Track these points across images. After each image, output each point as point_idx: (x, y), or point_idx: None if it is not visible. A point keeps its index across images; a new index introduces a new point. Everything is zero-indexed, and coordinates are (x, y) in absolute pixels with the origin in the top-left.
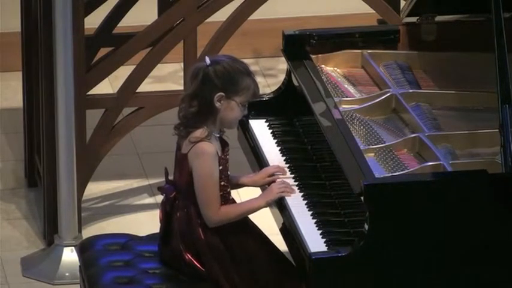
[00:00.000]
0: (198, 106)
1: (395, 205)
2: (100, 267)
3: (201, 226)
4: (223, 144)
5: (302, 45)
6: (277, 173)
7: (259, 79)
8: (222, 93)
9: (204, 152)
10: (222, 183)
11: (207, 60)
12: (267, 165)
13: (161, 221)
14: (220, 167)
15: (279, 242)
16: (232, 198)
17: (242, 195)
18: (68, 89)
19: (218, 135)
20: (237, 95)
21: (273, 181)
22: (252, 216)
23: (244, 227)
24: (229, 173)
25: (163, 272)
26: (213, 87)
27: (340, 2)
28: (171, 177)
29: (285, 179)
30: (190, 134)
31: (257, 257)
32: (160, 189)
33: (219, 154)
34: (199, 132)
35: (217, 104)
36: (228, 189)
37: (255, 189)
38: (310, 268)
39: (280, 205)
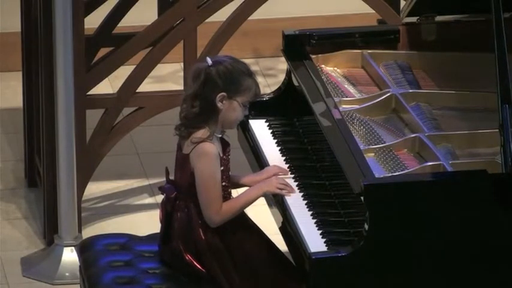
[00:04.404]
0: (200, 106)
1: (395, 205)
2: (100, 267)
3: (202, 226)
4: (225, 145)
5: (302, 45)
6: (279, 174)
7: (259, 79)
8: (224, 94)
9: (206, 153)
10: (224, 183)
11: (209, 60)
12: (267, 165)
13: (161, 221)
14: (222, 168)
15: (279, 242)
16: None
17: (240, 190)
18: (68, 89)
19: (220, 136)
20: (239, 95)
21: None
22: (252, 216)
23: (244, 227)
24: (230, 173)
25: (163, 272)
26: (215, 88)
27: (340, 2)
28: (172, 177)
29: (286, 180)
30: (192, 135)
31: (257, 257)
32: (161, 189)
33: (221, 155)
34: (201, 133)
35: (219, 104)
36: (229, 190)
37: None
38: (310, 268)
39: (280, 205)
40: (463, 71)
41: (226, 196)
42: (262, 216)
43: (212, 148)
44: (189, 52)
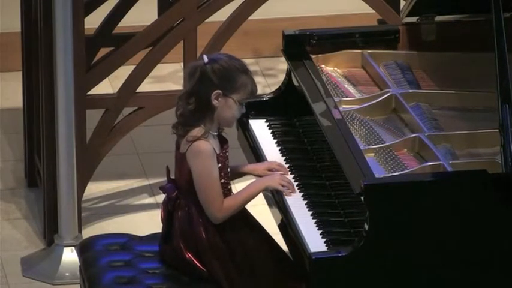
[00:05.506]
0: (195, 104)
1: (395, 205)
2: (100, 267)
3: (203, 225)
4: (222, 142)
5: (302, 45)
6: (280, 172)
7: (259, 79)
8: (219, 91)
9: (201, 151)
10: (222, 180)
11: (205, 58)
12: None
13: (163, 221)
14: (219, 165)
15: (279, 242)
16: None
17: (239, 188)
18: (68, 89)
19: (216, 133)
20: (234, 92)
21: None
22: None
23: (245, 225)
24: (228, 170)
25: (163, 272)
26: (210, 85)
27: (340, 2)
28: (172, 177)
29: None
30: (188, 133)
31: (258, 256)
32: (162, 189)
33: (217, 152)
34: (196, 131)
35: (215, 102)
36: (229, 186)
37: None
38: (310, 268)
39: (280, 205)
40: (463, 71)
41: (226, 193)
42: (262, 216)
43: (207, 146)
44: (189, 52)
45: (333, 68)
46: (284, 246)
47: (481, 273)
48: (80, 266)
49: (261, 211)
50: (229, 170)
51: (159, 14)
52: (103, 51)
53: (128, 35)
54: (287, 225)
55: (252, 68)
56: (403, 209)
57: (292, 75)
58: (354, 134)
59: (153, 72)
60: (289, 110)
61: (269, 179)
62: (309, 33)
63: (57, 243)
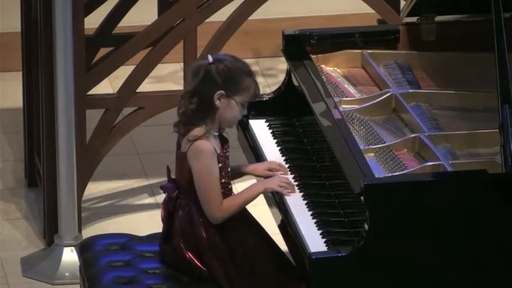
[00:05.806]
0: (197, 103)
1: (395, 205)
2: (100, 267)
3: (203, 225)
4: (223, 141)
5: (302, 45)
6: (280, 172)
7: (259, 79)
8: (223, 92)
9: (202, 150)
10: (223, 180)
11: (210, 58)
12: None
13: (163, 220)
14: (220, 165)
15: (279, 242)
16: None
17: (239, 188)
18: (68, 89)
19: (217, 133)
20: (237, 94)
21: (272, 176)
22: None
23: (245, 225)
24: (229, 169)
25: (163, 272)
26: (213, 85)
27: (340, 2)
28: (173, 176)
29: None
30: (189, 132)
31: (258, 257)
32: (162, 188)
33: (218, 152)
34: (197, 131)
35: (217, 102)
36: (230, 186)
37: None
38: (310, 268)
39: (280, 205)
40: (463, 71)
41: (227, 193)
42: (262, 216)
43: (207, 145)
44: (189, 52)
45: (333, 68)
46: (284, 246)
47: (481, 273)
48: (80, 266)
49: (261, 211)
50: (229, 169)
51: (159, 14)
52: (103, 51)
53: (128, 35)
54: (287, 225)
55: (252, 68)
56: (403, 209)
57: (292, 75)
58: (354, 134)
59: (153, 72)
60: (289, 110)
61: (268, 181)
62: (309, 33)
63: (57, 243)
